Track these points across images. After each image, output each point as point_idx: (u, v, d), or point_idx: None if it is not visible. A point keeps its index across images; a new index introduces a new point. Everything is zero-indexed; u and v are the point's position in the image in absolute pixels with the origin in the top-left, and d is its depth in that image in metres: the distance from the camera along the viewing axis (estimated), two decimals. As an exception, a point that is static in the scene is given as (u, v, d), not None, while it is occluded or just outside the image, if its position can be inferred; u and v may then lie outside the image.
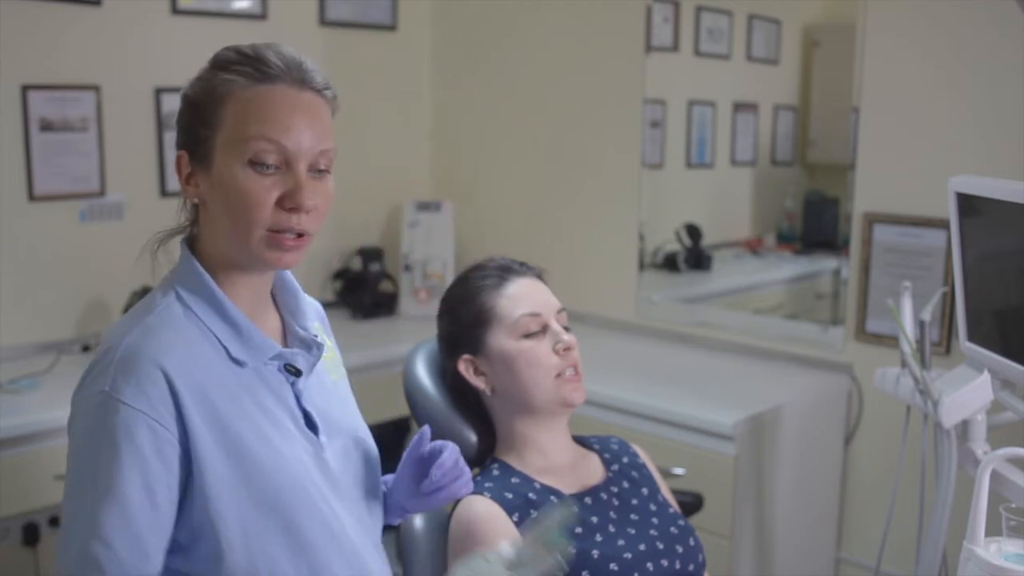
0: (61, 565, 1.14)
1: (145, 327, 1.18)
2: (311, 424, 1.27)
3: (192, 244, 1.26)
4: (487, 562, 1.23)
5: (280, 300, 1.33)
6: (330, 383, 1.36)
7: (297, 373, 1.27)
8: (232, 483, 1.17)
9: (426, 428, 1.38)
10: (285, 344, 1.30)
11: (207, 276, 1.22)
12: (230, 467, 1.17)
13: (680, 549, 1.55)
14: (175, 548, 1.19)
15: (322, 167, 1.21)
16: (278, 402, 1.24)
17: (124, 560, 1.11)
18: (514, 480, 1.55)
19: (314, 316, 1.39)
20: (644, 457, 1.72)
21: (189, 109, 1.22)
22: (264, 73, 1.18)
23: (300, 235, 1.20)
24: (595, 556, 1.47)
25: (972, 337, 1.76)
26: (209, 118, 1.19)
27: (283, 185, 1.18)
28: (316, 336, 1.31)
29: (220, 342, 1.21)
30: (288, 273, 1.34)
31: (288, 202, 1.17)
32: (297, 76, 1.20)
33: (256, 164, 1.17)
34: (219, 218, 1.20)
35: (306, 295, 1.42)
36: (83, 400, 1.16)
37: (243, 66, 1.19)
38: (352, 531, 1.27)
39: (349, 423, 1.36)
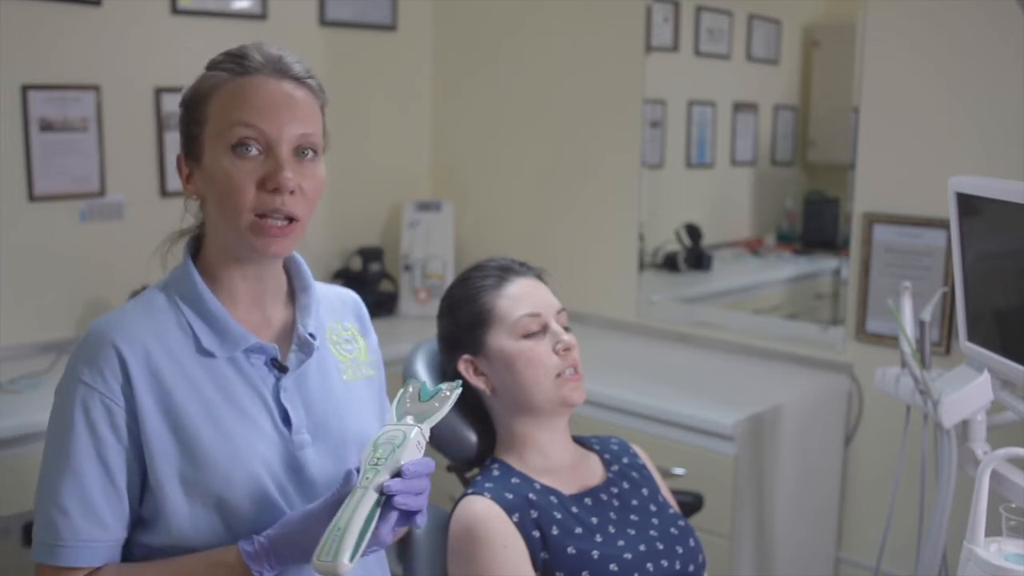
0: (35, 528, 1.23)
1: (118, 312, 1.26)
2: (287, 420, 1.27)
3: (199, 243, 1.31)
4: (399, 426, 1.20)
5: (298, 300, 1.36)
6: (340, 383, 1.36)
7: (282, 368, 1.28)
8: (177, 464, 1.21)
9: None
10: (289, 340, 1.31)
11: (194, 271, 1.28)
12: (176, 449, 1.21)
13: (680, 549, 1.55)
14: (141, 523, 1.25)
15: (307, 151, 1.24)
16: (253, 395, 1.26)
17: (79, 527, 1.19)
18: (514, 480, 1.55)
19: (338, 314, 1.42)
20: (644, 457, 1.72)
21: (184, 111, 1.28)
22: (245, 67, 1.23)
23: (289, 221, 1.22)
24: (595, 556, 1.47)
25: (972, 337, 1.76)
26: (198, 115, 1.25)
27: (264, 168, 1.21)
28: (312, 336, 1.32)
29: (193, 332, 1.25)
30: (308, 273, 1.37)
31: (269, 183, 1.21)
32: (276, 67, 1.24)
33: (238, 149, 1.21)
34: (212, 209, 1.25)
35: (344, 290, 1.48)
36: (61, 379, 1.24)
37: (226, 63, 1.25)
38: None
39: (346, 427, 1.32)
